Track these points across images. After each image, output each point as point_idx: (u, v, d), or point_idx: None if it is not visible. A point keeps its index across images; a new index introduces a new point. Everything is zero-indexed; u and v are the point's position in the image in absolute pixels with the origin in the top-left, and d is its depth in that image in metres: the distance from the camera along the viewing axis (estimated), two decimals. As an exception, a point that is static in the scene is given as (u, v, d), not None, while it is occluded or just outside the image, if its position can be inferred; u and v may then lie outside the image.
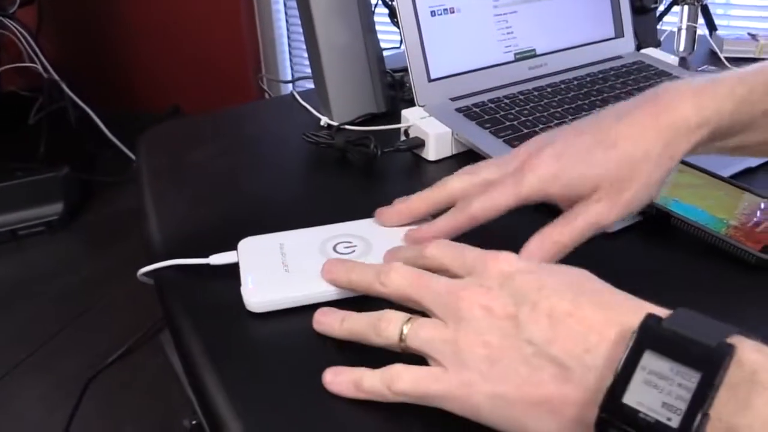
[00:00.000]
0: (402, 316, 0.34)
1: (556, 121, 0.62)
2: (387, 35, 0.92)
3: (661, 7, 0.98)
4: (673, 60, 0.81)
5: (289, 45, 2.42)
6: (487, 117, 0.62)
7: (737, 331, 0.27)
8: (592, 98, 0.67)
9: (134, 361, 1.38)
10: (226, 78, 2.36)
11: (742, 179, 0.52)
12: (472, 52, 0.68)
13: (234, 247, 0.45)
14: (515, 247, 0.38)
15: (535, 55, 0.72)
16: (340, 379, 0.34)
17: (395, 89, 0.76)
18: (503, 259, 0.34)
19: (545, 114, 0.63)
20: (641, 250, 0.48)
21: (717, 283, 0.44)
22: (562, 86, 0.70)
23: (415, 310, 0.35)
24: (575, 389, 0.28)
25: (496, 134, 0.59)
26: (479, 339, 0.31)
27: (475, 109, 0.63)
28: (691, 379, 0.25)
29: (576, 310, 0.29)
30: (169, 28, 2.36)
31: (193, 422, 0.95)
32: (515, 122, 0.61)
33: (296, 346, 0.38)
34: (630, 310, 0.29)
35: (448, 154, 0.61)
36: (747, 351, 0.26)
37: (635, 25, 0.84)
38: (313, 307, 0.40)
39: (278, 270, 0.42)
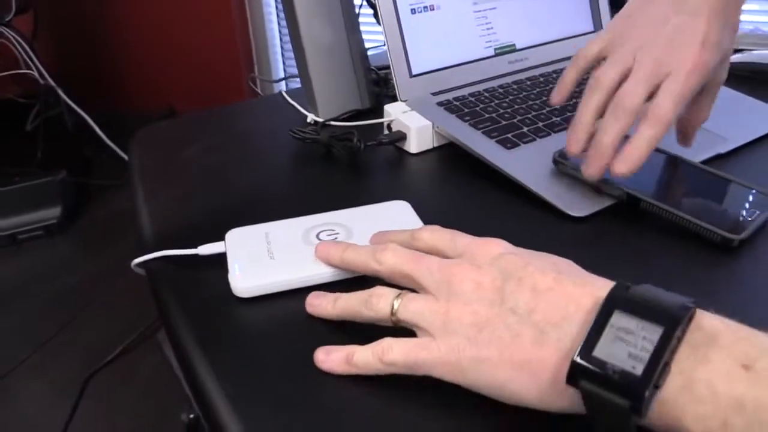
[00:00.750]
0: (392, 291, 0.36)
1: (533, 113, 0.64)
2: (372, 35, 0.94)
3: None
4: (651, 52, 0.83)
5: (281, 45, 2.44)
6: (467, 110, 0.64)
7: (698, 305, 0.29)
8: (570, 90, 0.69)
9: (131, 360, 1.40)
10: (220, 79, 2.38)
11: (712, 165, 0.54)
12: (452, 48, 0.70)
13: (223, 238, 0.47)
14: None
15: (515, 50, 0.75)
16: (332, 357, 0.36)
17: (380, 86, 0.78)
18: (493, 243, 0.36)
19: (523, 106, 0.65)
20: (612, 234, 0.50)
21: (685, 263, 0.46)
22: (541, 79, 0.72)
23: (404, 288, 0.37)
24: (552, 352, 0.30)
25: (476, 126, 0.61)
26: (468, 309, 0.33)
27: (455, 103, 0.65)
28: (654, 333, 0.27)
29: (557, 285, 0.32)
30: (163, 32, 2.38)
31: (191, 416, 0.97)
32: (494, 114, 0.63)
33: (283, 329, 0.40)
34: (606, 286, 0.31)
35: (430, 146, 0.63)
36: (708, 318, 0.28)
37: (615, 19, 0.87)
38: (297, 292, 0.42)
39: (264, 257, 0.44)
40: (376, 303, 0.36)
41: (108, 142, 2.12)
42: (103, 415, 1.30)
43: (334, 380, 0.36)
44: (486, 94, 0.68)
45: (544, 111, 0.65)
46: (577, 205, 0.51)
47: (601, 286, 0.31)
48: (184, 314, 0.43)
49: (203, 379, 0.37)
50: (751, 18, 1.84)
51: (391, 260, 0.37)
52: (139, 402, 1.32)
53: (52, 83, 2.08)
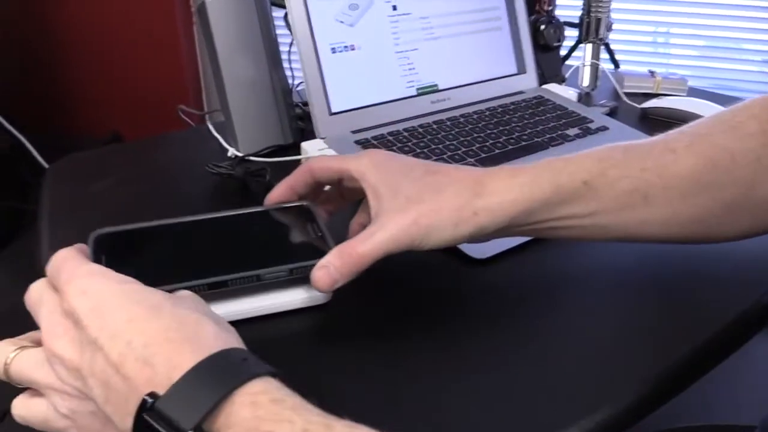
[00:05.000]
0: None
1: (449, 153, 0.65)
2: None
3: (570, 43, 1.04)
4: (571, 95, 0.86)
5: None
6: (384, 149, 0.65)
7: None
8: (489, 131, 0.71)
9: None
10: (167, 107, 2.35)
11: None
12: (374, 87, 0.71)
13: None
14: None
15: (437, 90, 0.76)
16: None
17: (305, 121, 0.78)
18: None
19: (440, 146, 0.67)
20: (516, 275, 0.50)
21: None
22: (462, 119, 0.73)
23: None
24: None
25: (390, 165, 0.62)
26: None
27: (373, 141, 0.66)
28: None
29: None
30: (110, 58, 2.35)
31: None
32: (410, 154, 0.64)
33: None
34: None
35: (345, 184, 0.64)
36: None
37: (540, 62, 0.89)
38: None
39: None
40: None
41: (47, 166, 2.06)
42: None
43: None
44: (405, 134, 0.68)
45: (459, 151, 0.66)
46: (480, 248, 0.51)
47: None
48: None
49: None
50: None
51: None
52: None
53: (-12, 105, 2.02)
